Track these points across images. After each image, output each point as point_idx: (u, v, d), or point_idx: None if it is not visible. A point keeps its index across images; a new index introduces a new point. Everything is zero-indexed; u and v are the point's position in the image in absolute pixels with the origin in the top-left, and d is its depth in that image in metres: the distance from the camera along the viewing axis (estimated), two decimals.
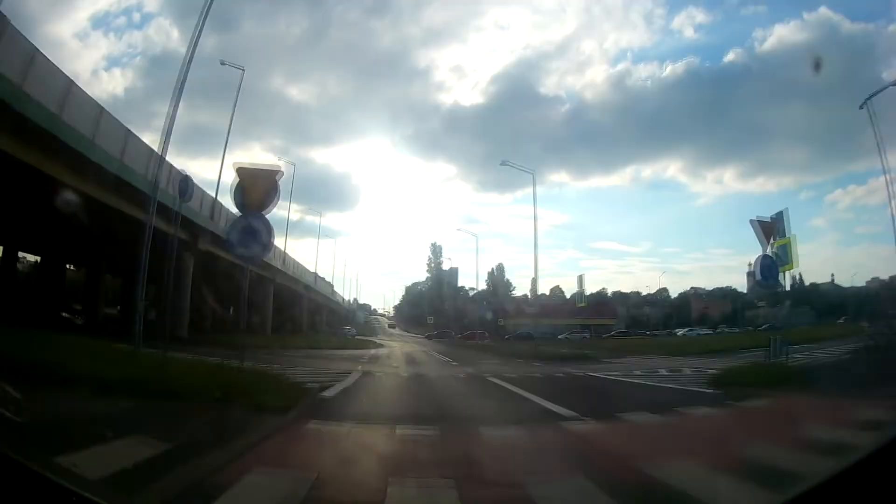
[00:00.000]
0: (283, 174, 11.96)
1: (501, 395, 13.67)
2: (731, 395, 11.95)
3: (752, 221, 16.94)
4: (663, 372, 20.46)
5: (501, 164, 34.96)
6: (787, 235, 16.67)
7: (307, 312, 69.20)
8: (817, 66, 47.12)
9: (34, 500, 1.98)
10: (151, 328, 17.86)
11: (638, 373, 20.16)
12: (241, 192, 11.38)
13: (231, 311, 59.09)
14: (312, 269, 70.81)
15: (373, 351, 35.46)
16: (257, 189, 11.40)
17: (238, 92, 46.67)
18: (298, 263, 62.81)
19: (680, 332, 77.68)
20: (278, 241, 54.15)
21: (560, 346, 39.17)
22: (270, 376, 11.35)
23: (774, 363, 16.14)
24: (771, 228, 16.79)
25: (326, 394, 11.54)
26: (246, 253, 11.20)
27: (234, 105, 44.31)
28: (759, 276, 16.63)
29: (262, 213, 11.21)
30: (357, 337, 59.51)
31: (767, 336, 19.77)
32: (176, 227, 12.39)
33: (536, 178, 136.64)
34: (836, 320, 75.79)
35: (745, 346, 35.77)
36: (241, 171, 11.68)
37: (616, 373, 20.29)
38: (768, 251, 16.44)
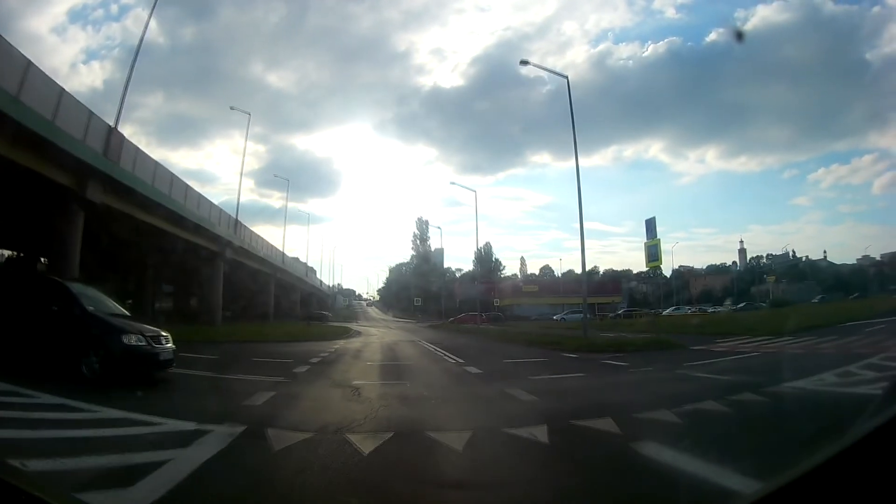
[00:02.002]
0: None
1: None
2: None
3: None
4: None
5: (521, 64, 23.67)
6: None
7: (276, 297, 56.84)
8: (739, 36, 42.18)
9: None
10: None
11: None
12: None
13: (170, 293, 46.77)
14: (293, 253, 58.78)
15: (341, 342, 23.33)
16: None
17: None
18: (260, 238, 50.38)
19: (688, 308, 67.44)
20: (228, 208, 42.26)
21: (605, 328, 27.34)
22: None
23: None
24: None
25: None
26: None
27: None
28: None
29: None
30: (334, 324, 47.34)
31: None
32: None
33: (518, 159, 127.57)
34: (847, 296, 67.17)
35: (822, 321, 25.63)
36: None
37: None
38: None
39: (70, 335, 9.19)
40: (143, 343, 9.34)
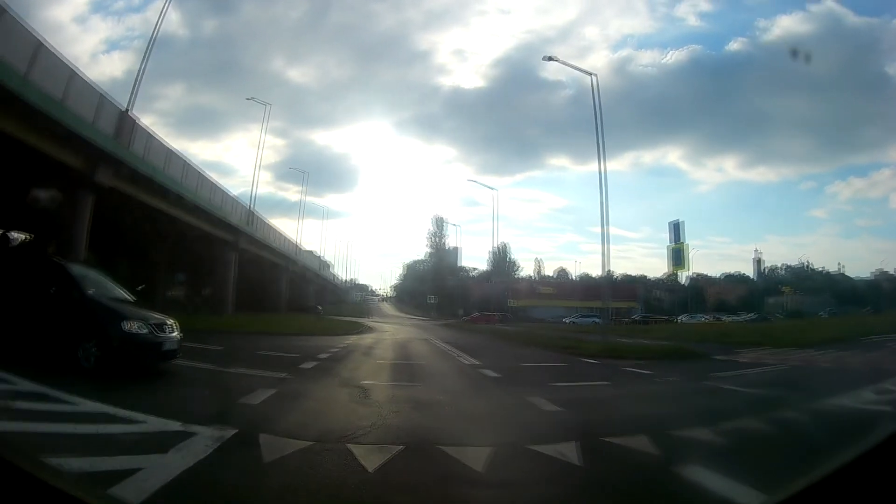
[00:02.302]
0: None
1: None
2: None
3: None
4: None
5: (544, 59, 22.70)
6: None
7: (288, 289, 56.52)
8: (798, 54, 40.80)
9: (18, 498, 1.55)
10: None
11: None
12: None
13: (186, 283, 46.42)
14: (309, 247, 58.46)
15: (352, 338, 22.74)
16: None
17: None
18: (275, 230, 50.04)
19: (702, 317, 66.07)
20: (245, 200, 41.82)
21: (622, 334, 26.44)
22: None
23: None
24: None
25: None
26: None
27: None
28: None
29: None
30: (347, 319, 46.67)
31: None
32: None
33: (536, 162, 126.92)
34: (859, 310, 65.35)
35: (843, 335, 24.54)
36: None
37: None
38: None
39: (68, 320, 8.62)
40: (146, 331, 8.72)
